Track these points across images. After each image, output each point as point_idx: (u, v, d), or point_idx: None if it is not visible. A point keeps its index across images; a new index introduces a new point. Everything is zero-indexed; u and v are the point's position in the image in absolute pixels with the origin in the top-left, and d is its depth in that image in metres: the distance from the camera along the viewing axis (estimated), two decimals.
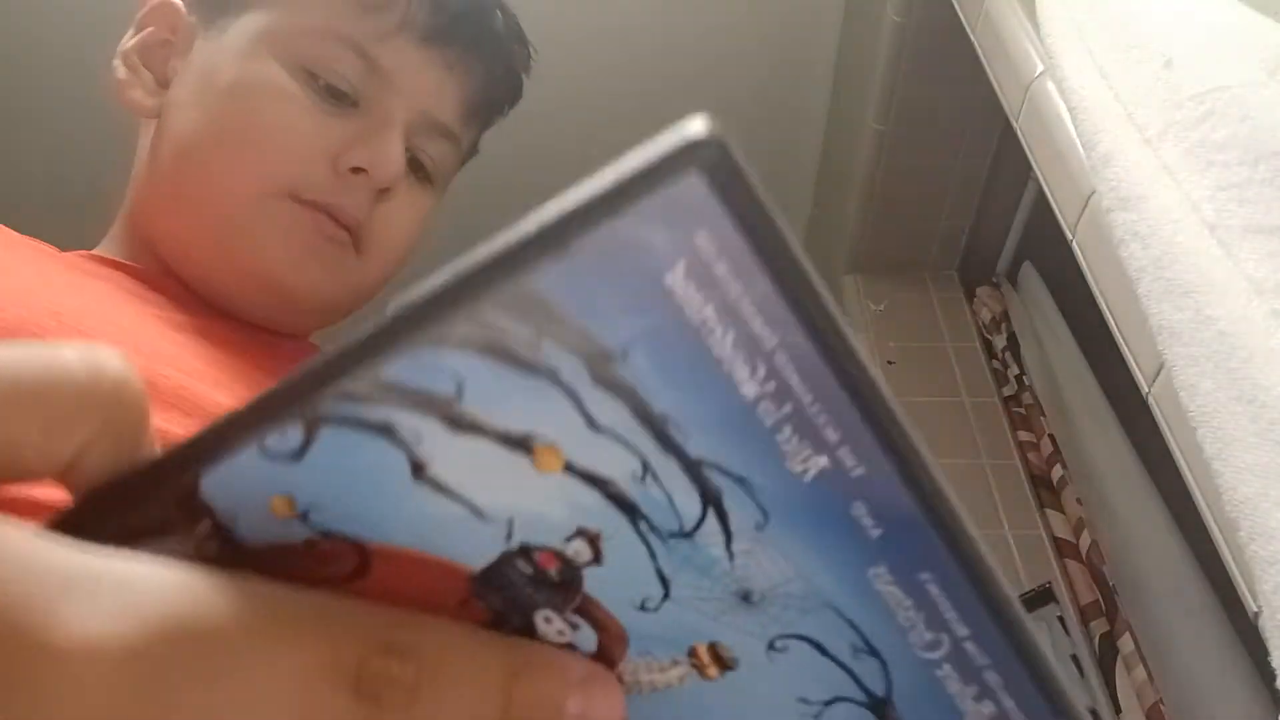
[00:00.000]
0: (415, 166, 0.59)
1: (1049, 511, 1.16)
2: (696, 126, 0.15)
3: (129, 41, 0.61)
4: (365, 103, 0.56)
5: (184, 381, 0.45)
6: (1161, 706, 0.89)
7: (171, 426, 0.42)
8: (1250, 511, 0.41)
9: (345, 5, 0.55)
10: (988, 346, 1.38)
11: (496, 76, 0.62)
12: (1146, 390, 0.57)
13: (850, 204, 1.44)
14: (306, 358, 0.57)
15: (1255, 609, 0.42)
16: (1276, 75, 0.45)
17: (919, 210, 1.41)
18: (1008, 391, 1.31)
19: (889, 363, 1.35)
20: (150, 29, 0.61)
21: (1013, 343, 1.33)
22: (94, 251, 0.57)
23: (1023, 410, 1.28)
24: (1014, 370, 1.32)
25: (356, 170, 0.54)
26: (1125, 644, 0.98)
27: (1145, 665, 0.93)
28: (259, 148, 0.53)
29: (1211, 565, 0.90)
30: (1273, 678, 0.39)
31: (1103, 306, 0.63)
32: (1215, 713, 0.83)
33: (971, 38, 0.87)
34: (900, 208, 1.41)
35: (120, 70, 0.60)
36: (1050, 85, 0.69)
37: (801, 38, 1.57)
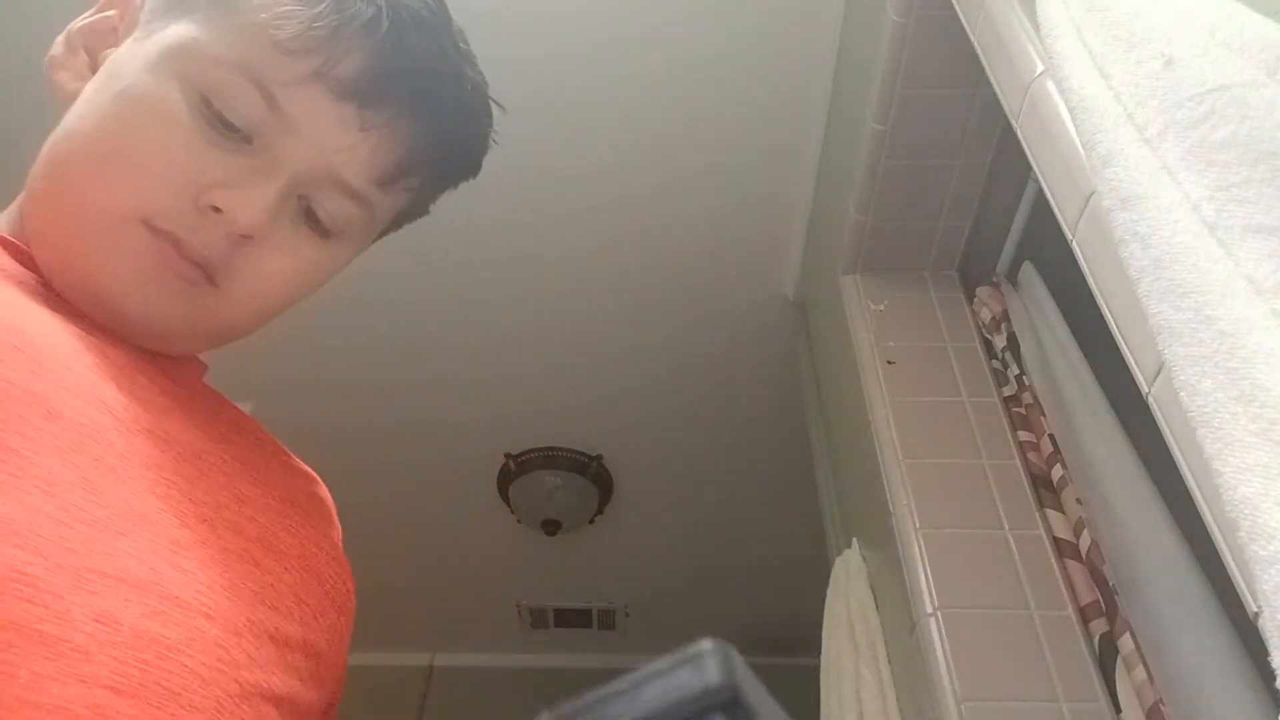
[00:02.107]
0: (310, 217, 0.56)
1: (1049, 511, 1.16)
2: (712, 672, 0.21)
3: (81, 21, 0.58)
4: (259, 143, 0.53)
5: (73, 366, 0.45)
6: (1161, 706, 0.89)
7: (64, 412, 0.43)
8: (1250, 511, 0.41)
9: (264, 40, 0.52)
10: (988, 346, 1.38)
11: (430, 148, 0.58)
12: (1146, 390, 0.57)
13: (850, 204, 1.44)
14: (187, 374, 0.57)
15: (1255, 609, 0.42)
16: (1276, 75, 0.45)
17: (919, 210, 1.41)
18: (1008, 391, 1.31)
19: (889, 363, 1.35)
20: (107, 13, 0.58)
21: (1013, 343, 1.33)
22: None
23: (1023, 410, 1.28)
24: (1014, 370, 1.32)
25: (216, 210, 0.51)
26: (1125, 644, 0.98)
27: (1145, 665, 0.93)
28: (126, 167, 0.51)
29: (1211, 565, 0.90)
30: (1273, 678, 0.39)
31: (1103, 306, 0.63)
32: (1215, 713, 0.83)
33: (971, 38, 0.87)
34: (900, 208, 1.41)
35: (59, 46, 0.57)
36: (1050, 85, 0.69)
37: (801, 38, 1.57)
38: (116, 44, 0.57)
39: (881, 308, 1.44)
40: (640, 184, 1.76)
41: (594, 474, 2.40)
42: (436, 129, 0.58)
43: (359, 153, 0.55)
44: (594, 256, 1.89)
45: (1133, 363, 0.59)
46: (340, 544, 0.61)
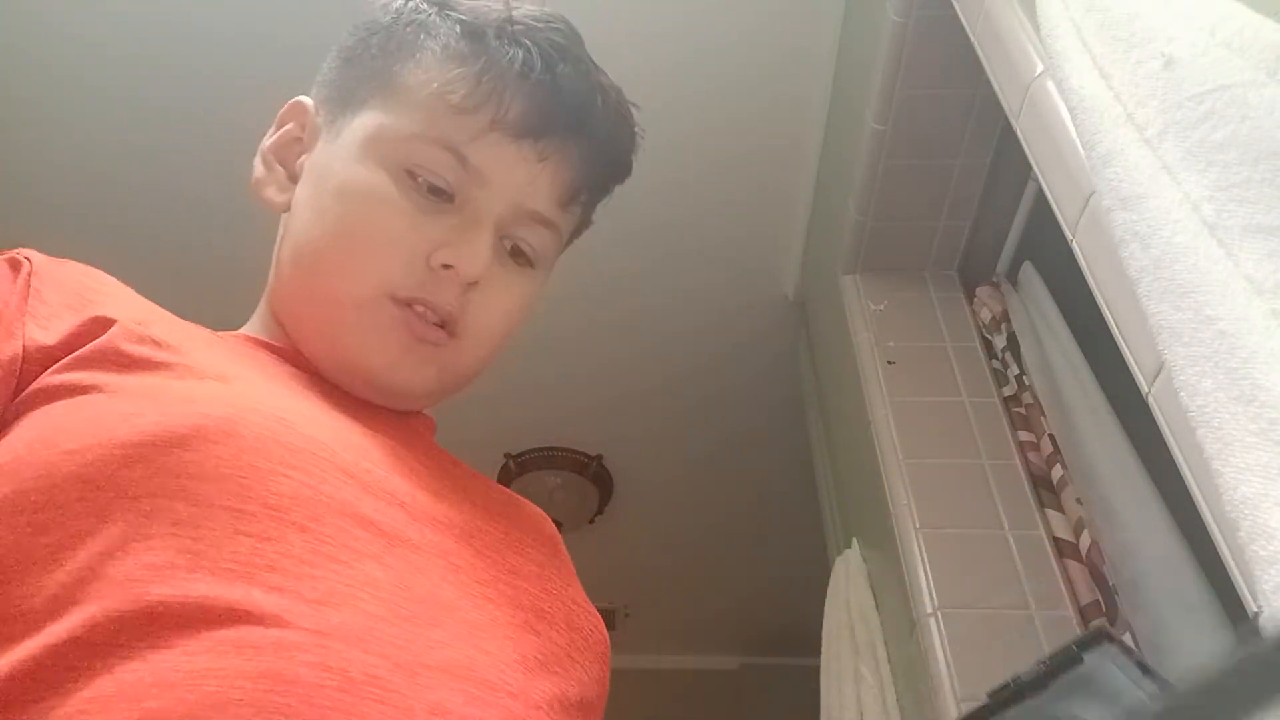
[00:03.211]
0: (515, 253, 0.62)
1: (1049, 511, 1.16)
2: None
3: (268, 140, 0.65)
4: (460, 198, 0.59)
5: (370, 468, 0.51)
6: None
7: (371, 513, 0.48)
8: (1250, 511, 0.41)
9: (441, 108, 0.58)
10: (988, 346, 1.38)
11: (595, 161, 0.64)
12: (1146, 390, 0.57)
13: (850, 204, 1.44)
14: (426, 433, 0.64)
15: (1255, 609, 0.42)
16: (1276, 75, 0.45)
17: (919, 210, 1.41)
18: (1008, 391, 1.31)
19: (889, 363, 1.35)
20: (287, 127, 0.65)
21: (1013, 343, 1.33)
22: (245, 333, 0.62)
23: (1023, 410, 1.28)
24: (1014, 370, 1.32)
25: (446, 266, 0.57)
26: None
27: None
28: (361, 253, 0.58)
29: (1211, 565, 0.90)
30: None
31: (1103, 306, 0.63)
32: None
33: (971, 38, 0.87)
34: (900, 208, 1.41)
35: (259, 168, 0.64)
36: (1050, 85, 0.69)
37: (801, 38, 1.57)
38: (304, 151, 0.64)
39: (881, 308, 1.44)
40: (640, 185, 1.76)
41: (594, 474, 2.40)
42: (599, 143, 0.64)
43: (541, 182, 0.61)
44: (594, 257, 1.89)
45: (1133, 363, 0.59)
46: (577, 577, 0.66)
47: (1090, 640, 0.40)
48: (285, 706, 0.39)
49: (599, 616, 0.61)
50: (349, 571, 0.45)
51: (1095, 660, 0.41)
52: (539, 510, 0.68)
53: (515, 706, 0.47)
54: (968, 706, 0.44)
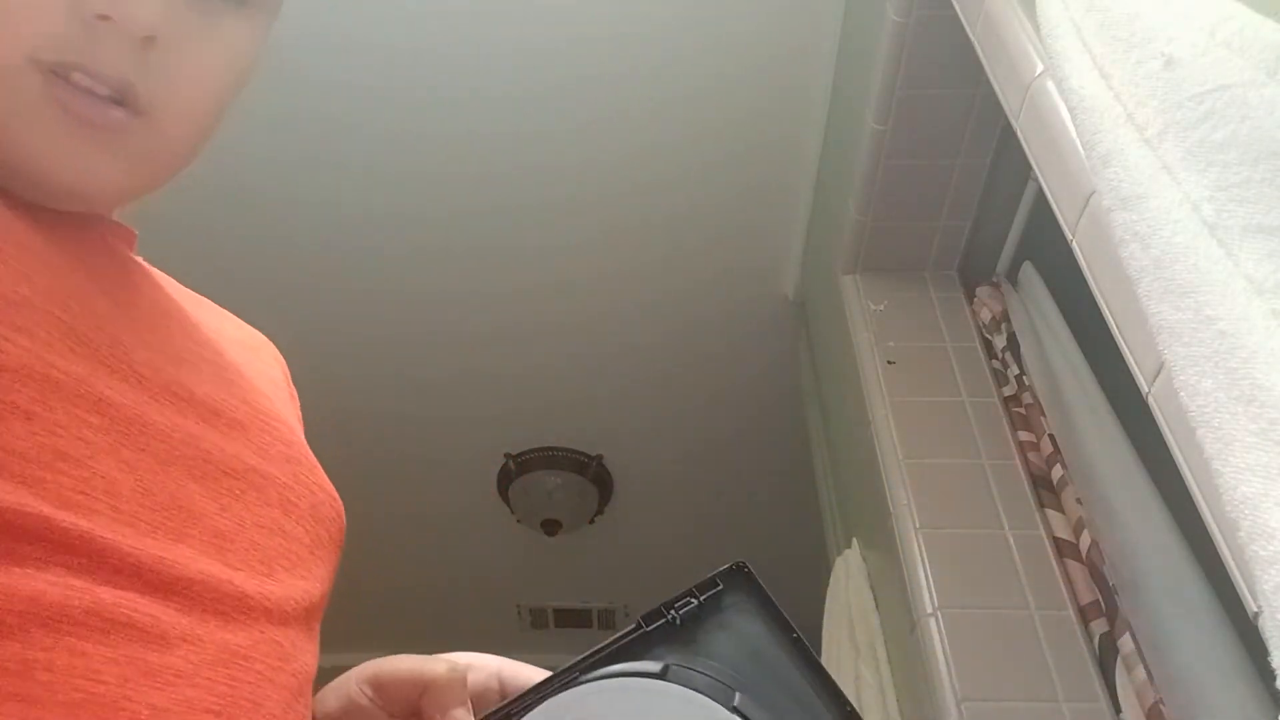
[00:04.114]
0: None
1: (1049, 511, 1.16)
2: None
3: None
4: None
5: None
6: (1161, 706, 0.89)
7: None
8: (1250, 511, 0.41)
9: None
10: (988, 346, 1.38)
11: None
12: (1146, 390, 0.57)
13: (850, 204, 1.44)
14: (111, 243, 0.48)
15: (1255, 609, 0.42)
16: (1276, 75, 0.45)
17: (919, 210, 1.41)
18: (1008, 391, 1.31)
19: (889, 363, 1.35)
20: None
21: (1013, 343, 1.33)
22: None
23: (1023, 410, 1.28)
24: (1014, 370, 1.32)
25: (104, 18, 0.40)
26: (1125, 644, 0.98)
27: (1145, 665, 0.93)
28: None
29: (1211, 565, 0.90)
30: (1273, 678, 0.39)
31: (1103, 306, 0.63)
32: (1215, 713, 0.83)
33: (971, 38, 0.87)
34: (900, 208, 1.41)
35: None
36: (1050, 85, 0.69)
37: (801, 38, 1.57)
38: None
39: (881, 308, 1.44)
40: (640, 185, 1.76)
41: (594, 474, 2.40)
42: None
43: None
44: (594, 258, 1.89)
45: (1133, 363, 0.59)
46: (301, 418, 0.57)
47: (729, 575, 0.46)
48: (20, 630, 0.33)
49: (339, 501, 0.53)
50: (82, 473, 0.37)
51: (734, 599, 0.44)
52: (271, 348, 0.58)
53: (268, 628, 0.42)
54: (624, 628, 0.47)
